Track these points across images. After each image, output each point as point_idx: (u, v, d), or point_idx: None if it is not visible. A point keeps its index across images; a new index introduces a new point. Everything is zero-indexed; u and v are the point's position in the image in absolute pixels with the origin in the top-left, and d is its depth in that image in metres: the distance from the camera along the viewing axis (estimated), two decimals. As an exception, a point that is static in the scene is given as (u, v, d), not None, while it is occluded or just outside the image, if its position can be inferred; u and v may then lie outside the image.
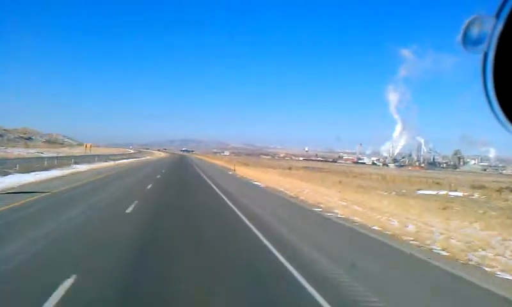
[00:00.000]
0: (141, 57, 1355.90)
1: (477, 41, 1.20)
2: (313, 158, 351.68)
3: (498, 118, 1.22)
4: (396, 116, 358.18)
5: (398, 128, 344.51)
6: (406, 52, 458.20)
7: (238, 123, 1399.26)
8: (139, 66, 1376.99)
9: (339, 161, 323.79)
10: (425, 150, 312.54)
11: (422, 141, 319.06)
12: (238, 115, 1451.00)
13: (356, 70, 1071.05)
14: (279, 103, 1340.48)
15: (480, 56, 1.21)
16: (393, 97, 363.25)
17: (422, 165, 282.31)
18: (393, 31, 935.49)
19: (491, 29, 1.17)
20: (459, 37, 1.21)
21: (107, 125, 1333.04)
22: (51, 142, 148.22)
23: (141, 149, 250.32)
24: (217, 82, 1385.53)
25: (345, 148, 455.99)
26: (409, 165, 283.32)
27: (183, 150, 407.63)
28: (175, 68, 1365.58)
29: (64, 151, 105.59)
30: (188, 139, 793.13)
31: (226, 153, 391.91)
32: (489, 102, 1.22)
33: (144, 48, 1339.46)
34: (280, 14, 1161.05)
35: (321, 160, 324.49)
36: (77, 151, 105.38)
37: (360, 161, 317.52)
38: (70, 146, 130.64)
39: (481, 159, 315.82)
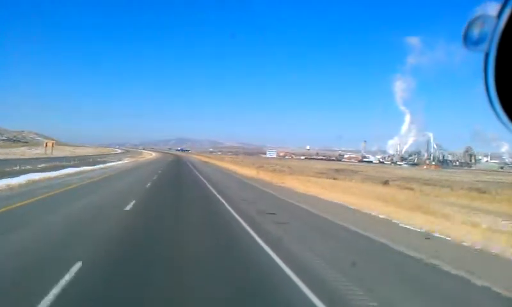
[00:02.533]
0: (137, 57, 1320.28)
1: (479, 41, 1.18)
2: (315, 157, 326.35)
3: (499, 118, 1.21)
4: (403, 108, 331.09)
5: (406, 121, 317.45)
6: (413, 40, 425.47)
7: (233, 122, 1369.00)
8: (135, 66, 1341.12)
9: (343, 160, 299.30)
10: (435, 147, 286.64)
11: (431, 135, 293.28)
12: (233, 114, 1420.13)
13: (357, 65, 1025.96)
14: (274, 101, 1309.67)
15: (482, 56, 1.19)
16: (400, 87, 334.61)
17: (433, 163, 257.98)
18: (399, 21, 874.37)
19: (492, 28, 1.16)
20: (462, 31, 1.19)
21: (101, 124, 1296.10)
22: (15, 140, 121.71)
23: (130, 149, 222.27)
24: (211, 82, 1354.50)
25: (344, 146, 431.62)
26: (422, 163, 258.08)
27: (178, 149, 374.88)
28: (171, 68, 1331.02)
29: (16, 152, 78.20)
30: (183, 138, 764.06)
31: (272, 154, 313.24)
32: (491, 102, 1.21)
33: (140, 48, 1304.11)
34: (277, 7, 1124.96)
35: (323, 159, 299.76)
36: (36, 152, 77.86)
37: (364, 159, 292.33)
38: (34, 145, 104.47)
39: (490, 156, 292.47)
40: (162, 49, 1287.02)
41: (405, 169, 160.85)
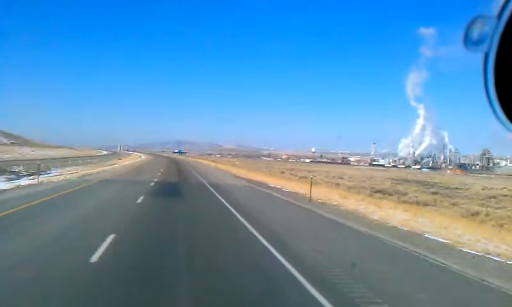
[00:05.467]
0: (136, 59, 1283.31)
1: (479, 42, 1.15)
2: (320, 160, 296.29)
3: (499, 118, 1.19)
4: (414, 103, 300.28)
5: (421, 116, 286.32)
6: (427, 32, 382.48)
7: (231, 124, 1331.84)
8: (134, 69, 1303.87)
9: (352, 163, 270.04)
10: (452, 149, 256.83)
11: (446, 134, 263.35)
12: (231, 116, 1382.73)
13: (360, 64, 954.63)
14: (272, 103, 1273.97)
15: (482, 56, 1.17)
16: (413, 81, 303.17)
17: (450, 167, 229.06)
18: (410, 11, 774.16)
19: (492, 29, 1.13)
20: (462, 32, 1.16)
21: (100, 127, 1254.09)
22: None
23: (122, 152, 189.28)
24: (209, 84, 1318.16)
25: (349, 148, 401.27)
26: (440, 167, 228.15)
27: (175, 152, 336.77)
28: (170, 71, 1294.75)
29: None
30: (181, 141, 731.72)
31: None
32: (490, 102, 1.18)
33: (137, 49, 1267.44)
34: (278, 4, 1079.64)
35: (328, 162, 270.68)
36: None
37: (374, 163, 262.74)
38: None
39: (510, 159, 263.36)
40: (160, 50, 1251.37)
41: (442, 175, 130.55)
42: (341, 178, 53.42)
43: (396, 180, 58.57)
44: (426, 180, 64.61)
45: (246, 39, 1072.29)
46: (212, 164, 77.78)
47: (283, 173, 56.17)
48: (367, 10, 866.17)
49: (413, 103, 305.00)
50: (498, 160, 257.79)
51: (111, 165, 43.24)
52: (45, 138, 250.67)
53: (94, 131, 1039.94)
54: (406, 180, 58.99)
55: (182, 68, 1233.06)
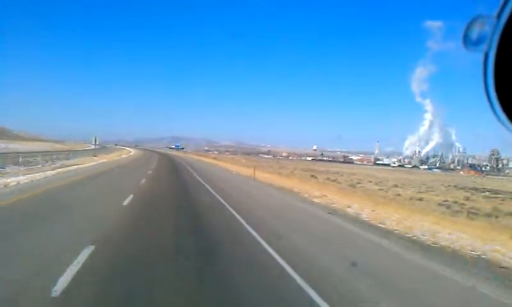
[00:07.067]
0: (133, 56, 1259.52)
1: (478, 41, 1.13)
2: (322, 159, 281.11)
3: (499, 118, 1.17)
4: (419, 99, 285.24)
5: (429, 111, 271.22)
6: (432, 25, 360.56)
7: (228, 121, 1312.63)
8: (132, 65, 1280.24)
9: (355, 162, 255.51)
10: (460, 149, 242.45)
11: (453, 132, 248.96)
12: (227, 113, 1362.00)
13: (364, 60, 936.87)
14: (269, 100, 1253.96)
15: (482, 56, 1.15)
16: (419, 76, 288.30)
17: (459, 168, 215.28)
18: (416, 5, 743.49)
19: (492, 29, 1.11)
20: (462, 31, 1.14)
21: (98, 122, 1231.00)
22: None
23: (95, 144, 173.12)
24: (206, 81, 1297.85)
25: (346, 147, 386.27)
26: (449, 168, 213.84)
27: (172, 147, 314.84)
28: (167, 68, 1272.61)
29: None
30: (178, 137, 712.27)
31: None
32: (490, 102, 1.17)
33: (135, 46, 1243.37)
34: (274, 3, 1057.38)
35: (330, 161, 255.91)
36: None
37: (378, 162, 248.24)
38: None
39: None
40: (156, 48, 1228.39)
41: (480, 178, 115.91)
42: (396, 185, 37.95)
43: (462, 188, 43.31)
44: (485, 187, 49.45)
45: (244, 36, 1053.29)
46: (235, 168, 45.46)
47: (313, 176, 40.62)
48: (368, 6, 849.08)
49: (419, 99, 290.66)
50: (506, 161, 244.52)
51: (59, 168, 26.65)
52: (44, 132, 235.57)
53: (95, 127, 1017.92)
54: (474, 188, 43.69)
55: (180, 64, 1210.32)
